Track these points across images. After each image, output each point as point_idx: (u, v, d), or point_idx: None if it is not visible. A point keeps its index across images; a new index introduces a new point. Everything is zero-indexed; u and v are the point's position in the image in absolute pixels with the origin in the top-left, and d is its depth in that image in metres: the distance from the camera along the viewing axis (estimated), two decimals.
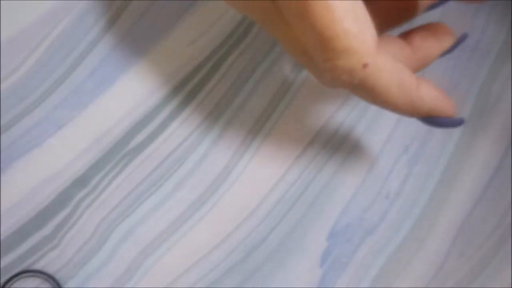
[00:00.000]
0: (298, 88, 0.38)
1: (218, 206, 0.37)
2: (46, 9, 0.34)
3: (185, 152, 0.36)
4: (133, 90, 0.34)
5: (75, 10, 0.34)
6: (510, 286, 0.39)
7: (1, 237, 0.35)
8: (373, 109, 0.38)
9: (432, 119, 0.29)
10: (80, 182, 0.35)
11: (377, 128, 0.38)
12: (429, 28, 0.30)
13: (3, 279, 0.35)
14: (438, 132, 0.39)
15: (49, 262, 0.35)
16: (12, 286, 0.35)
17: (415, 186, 0.39)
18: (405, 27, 0.32)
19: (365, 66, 0.22)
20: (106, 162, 0.35)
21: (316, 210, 0.38)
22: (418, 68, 0.29)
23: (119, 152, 0.36)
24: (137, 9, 0.36)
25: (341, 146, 0.38)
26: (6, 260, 0.35)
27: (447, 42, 0.30)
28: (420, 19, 0.36)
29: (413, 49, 0.29)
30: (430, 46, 0.29)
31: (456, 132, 0.39)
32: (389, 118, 0.38)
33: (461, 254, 0.40)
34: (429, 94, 0.27)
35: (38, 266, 0.35)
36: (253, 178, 0.37)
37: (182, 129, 0.36)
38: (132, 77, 0.35)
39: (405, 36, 0.30)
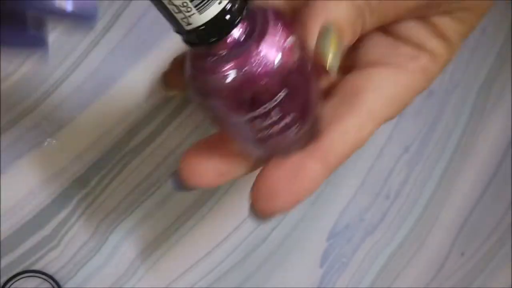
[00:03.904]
0: None
1: (218, 207, 0.37)
2: None
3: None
4: (133, 91, 0.34)
5: None
6: (510, 286, 0.40)
7: (1, 237, 0.35)
8: None
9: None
10: (80, 182, 0.35)
11: (377, 128, 0.38)
12: None
13: (3, 279, 0.35)
14: (438, 132, 0.39)
15: (49, 262, 0.35)
16: (12, 286, 0.35)
17: (415, 186, 0.39)
18: None
19: None
20: (106, 162, 0.35)
21: (316, 211, 0.38)
22: None
23: (119, 152, 0.36)
24: (137, 10, 0.35)
25: None
26: (6, 260, 0.35)
27: None
28: None
29: None
30: None
31: (456, 132, 0.39)
32: None
33: (461, 254, 0.40)
34: None
35: (38, 266, 0.35)
36: (253, 178, 0.37)
37: (181, 129, 0.36)
38: (132, 78, 0.35)
39: None
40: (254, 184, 0.23)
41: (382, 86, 0.23)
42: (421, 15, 0.23)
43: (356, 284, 0.39)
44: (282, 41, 0.19)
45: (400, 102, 0.24)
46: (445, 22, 0.23)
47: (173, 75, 0.24)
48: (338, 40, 0.20)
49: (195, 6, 0.17)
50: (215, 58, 0.19)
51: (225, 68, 0.19)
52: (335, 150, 0.22)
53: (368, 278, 0.39)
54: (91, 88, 0.35)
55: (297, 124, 0.20)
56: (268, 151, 0.22)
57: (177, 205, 0.36)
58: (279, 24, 0.19)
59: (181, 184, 0.24)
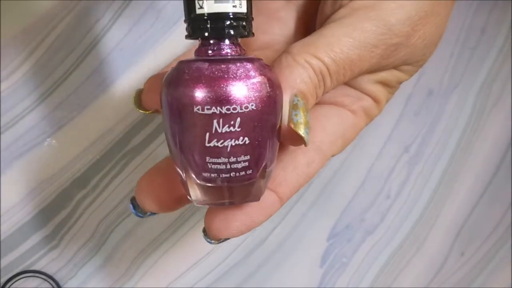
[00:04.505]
0: None
1: None
2: (46, 9, 0.34)
3: None
4: (133, 91, 0.34)
5: (75, 10, 0.34)
6: (510, 286, 0.40)
7: (1, 237, 0.35)
8: None
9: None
10: (80, 182, 0.35)
11: (377, 128, 0.38)
12: None
13: (3, 279, 0.35)
14: (438, 132, 0.39)
15: (49, 262, 0.35)
16: (12, 286, 0.35)
17: (415, 186, 0.39)
18: None
19: None
20: (106, 162, 0.35)
21: (317, 211, 0.38)
22: None
23: (118, 152, 0.36)
24: (137, 10, 0.35)
25: None
26: (6, 260, 0.35)
27: None
28: None
29: None
30: None
31: (456, 132, 0.39)
32: (389, 118, 0.38)
33: (461, 254, 0.40)
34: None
35: (38, 266, 0.35)
36: None
37: None
38: (132, 77, 0.35)
39: None
40: (208, 210, 0.24)
41: (329, 125, 0.25)
42: (372, 72, 0.25)
43: (356, 284, 0.39)
44: (253, 75, 0.20)
45: (345, 139, 0.26)
46: (390, 73, 0.25)
47: (147, 95, 0.25)
48: (306, 108, 0.22)
49: None
50: (199, 59, 0.21)
51: (197, 63, 0.20)
52: (287, 182, 0.24)
53: (368, 278, 0.39)
54: (91, 88, 0.35)
55: (248, 159, 0.21)
56: (210, 193, 0.22)
57: None
58: (257, 64, 0.21)
59: (139, 209, 0.25)
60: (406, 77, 0.26)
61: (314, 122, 0.24)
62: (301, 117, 0.21)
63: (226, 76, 0.20)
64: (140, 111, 0.25)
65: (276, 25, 0.27)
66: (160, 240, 0.36)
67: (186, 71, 0.20)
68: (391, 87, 0.26)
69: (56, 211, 0.35)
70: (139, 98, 0.25)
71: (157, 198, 0.24)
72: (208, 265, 0.37)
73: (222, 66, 0.20)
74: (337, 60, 0.23)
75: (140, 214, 0.25)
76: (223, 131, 0.20)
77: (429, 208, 0.39)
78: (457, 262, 0.39)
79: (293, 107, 0.22)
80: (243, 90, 0.20)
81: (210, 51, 0.21)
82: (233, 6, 0.20)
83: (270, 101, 0.21)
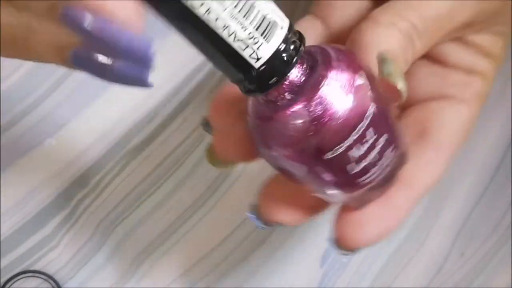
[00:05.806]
0: None
1: (218, 206, 0.37)
2: None
3: (185, 152, 0.36)
4: (133, 91, 0.34)
5: None
6: (510, 286, 0.39)
7: (1, 237, 0.35)
8: None
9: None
10: (80, 182, 0.35)
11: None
12: None
13: (3, 279, 0.35)
14: None
15: (49, 262, 0.35)
16: (12, 286, 0.35)
17: None
18: None
19: None
20: (106, 162, 0.35)
21: None
22: None
23: (118, 152, 0.35)
24: None
25: None
26: (6, 260, 0.35)
27: None
28: None
29: None
30: None
31: None
32: None
33: (461, 254, 0.40)
34: None
35: (38, 266, 0.35)
36: (253, 178, 0.37)
37: (182, 129, 0.36)
38: None
39: None
40: (338, 216, 0.22)
41: (449, 121, 0.24)
42: (458, 36, 0.23)
43: (356, 284, 0.39)
44: (351, 79, 0.18)
45: (465, 133, 0.24)
46: (486, 39, 0.23)
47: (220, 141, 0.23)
48: (398, 65, 0.20)
49: (262, 34, 0.16)
50: (277, 104, 0.18)
51: (289, 113, 0.17)
52: (418, 180, 0.23)
53: (368, 278, 0.39)
54: (91, 88, 0.35)
55: (392, 147, 0.19)
56: (355, 192, 0.20)
57: (177, 205, 0.36)
58: (344, 60, 0.18)
59: (263, 221, 0.23)
60: (503, 41, 0.24)
61: (433, 120, 0.23)
62: (392, 68, 0.19)
63: (329, 110, 0.17)
64: (218, 167, 0.23)
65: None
66: (160, 240, 0.36)
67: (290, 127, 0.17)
68: (495, 57, 0.24)
69: (56, 211, 0.35)
70: (212, 152, 0.23)
71: (287, 204, 0.22)
72: (208, 265, 0.37)
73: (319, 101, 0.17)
74: (425, 16, 0.20)
75: (263, 226, 0.23)
76: (365, 148, 0.18)
77: (428, 208, 0.39)
78: (457, 262, 0.39)
79: (382, 60, 0.19)
80: (348, 120, 0.17)
81: (286, 93, 0.18)
82: (281, 28, 0.16)
83: (375, 95, 0.18)
